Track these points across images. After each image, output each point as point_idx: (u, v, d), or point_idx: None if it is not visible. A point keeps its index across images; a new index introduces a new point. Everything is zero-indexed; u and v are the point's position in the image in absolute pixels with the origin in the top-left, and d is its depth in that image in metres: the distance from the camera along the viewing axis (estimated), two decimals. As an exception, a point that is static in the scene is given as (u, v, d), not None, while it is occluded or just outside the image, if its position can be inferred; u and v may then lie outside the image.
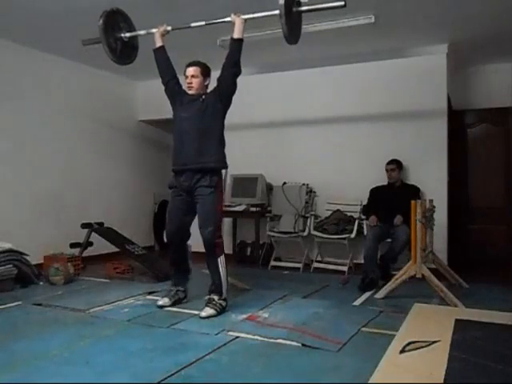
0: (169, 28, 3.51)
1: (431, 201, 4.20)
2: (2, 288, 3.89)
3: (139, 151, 6.51)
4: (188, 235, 3.54)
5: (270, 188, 5.56)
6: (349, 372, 2.24)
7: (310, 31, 4.32)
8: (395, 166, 4.70)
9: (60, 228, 5.12)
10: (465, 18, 4.12)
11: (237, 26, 3.30)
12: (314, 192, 5.35)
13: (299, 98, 5.48)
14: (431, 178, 4.79)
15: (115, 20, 3.54)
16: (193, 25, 3.44)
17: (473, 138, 5.41)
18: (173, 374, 2.19)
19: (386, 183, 4.78)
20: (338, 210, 5.07)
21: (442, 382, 2.08)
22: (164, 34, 3.55)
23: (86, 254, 5.06)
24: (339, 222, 4.94)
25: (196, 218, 3.41)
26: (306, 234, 5.09)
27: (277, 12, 2.95)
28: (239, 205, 5.40)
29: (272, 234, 5.26)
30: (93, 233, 5.02)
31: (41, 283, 4.28)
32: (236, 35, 3.31)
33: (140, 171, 6.52)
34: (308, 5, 3.08)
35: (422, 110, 4.88)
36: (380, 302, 3.66)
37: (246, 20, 3.30)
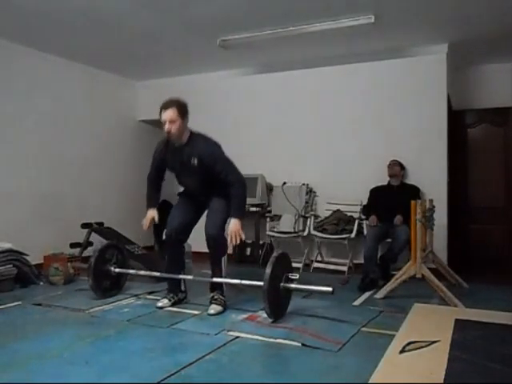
0: None
1: (431, 201, 4.20)
2: (2, 288, 3.89)
3: (139, 151, 6.50)
4: (187, 237, 3.52)
5: (269, 188, 5.56)
6: (349, 372, 2.24)
7: (309, 31, 4.33)
8: (397, 162, 4.72)
9: (60, 228, 5.11)
10: (465, 18, 4.12)
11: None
12: (314, 192, 5.35)
13: (299, 98, 5.48)
14: (431, 178, 4.78)
15: (104, 256, 3.68)
16: (181, 276, 3.46)
17: (473, 137, 5.41)
18: (173, 374, 2.19)
19: (385, 183, 4.78)
20: (338, 210, 5.07)
21: (442, 382, 2.08)
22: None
23: (85, 254, 5.05)
24: (339, 221, 4.93)
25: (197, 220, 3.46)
26: (305, 233, 5.09)
27: (261, 283, 2.99)
28: (239, 205, 5.39)
29: (272, 233, 5.26)
30: (93, 233, 5.02)
31: (41, 283, 4.28)
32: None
33: (140, 171, 6.48)
34: (297, 282, 3.15)
35: (422, 110, 4.87)
36: (380, 302, 3.66)
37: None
